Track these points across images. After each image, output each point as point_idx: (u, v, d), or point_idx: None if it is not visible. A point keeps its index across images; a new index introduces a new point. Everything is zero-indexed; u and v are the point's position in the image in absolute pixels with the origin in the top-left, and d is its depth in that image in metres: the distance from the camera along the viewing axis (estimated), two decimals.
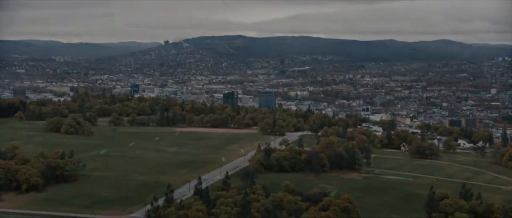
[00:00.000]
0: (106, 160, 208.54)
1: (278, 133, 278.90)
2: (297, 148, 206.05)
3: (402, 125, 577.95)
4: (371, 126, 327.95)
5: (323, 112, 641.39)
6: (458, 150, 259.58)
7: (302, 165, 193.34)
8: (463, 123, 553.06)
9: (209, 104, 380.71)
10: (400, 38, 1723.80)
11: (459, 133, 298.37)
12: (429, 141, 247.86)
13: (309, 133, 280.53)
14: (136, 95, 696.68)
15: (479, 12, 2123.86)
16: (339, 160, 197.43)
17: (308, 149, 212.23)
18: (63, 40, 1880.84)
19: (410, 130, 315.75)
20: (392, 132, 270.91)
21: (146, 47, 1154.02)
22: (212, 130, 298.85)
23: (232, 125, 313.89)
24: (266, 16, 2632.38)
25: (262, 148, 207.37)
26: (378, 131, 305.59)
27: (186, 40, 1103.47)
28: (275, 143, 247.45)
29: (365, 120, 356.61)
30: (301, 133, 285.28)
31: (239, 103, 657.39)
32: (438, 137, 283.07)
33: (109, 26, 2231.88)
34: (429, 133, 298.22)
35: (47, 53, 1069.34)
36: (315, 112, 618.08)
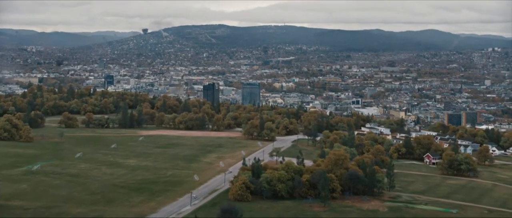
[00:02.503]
0: (37, 180, 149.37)
1: (266, 138, 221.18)
2: (295, 164, 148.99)
3: (396, 119, 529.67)
4: (376, 127, 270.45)
5: (311, 104, 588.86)
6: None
7: (303, 190, 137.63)
8: (463, 117, 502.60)
9: (184, 100, 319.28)
10: (386, 28, 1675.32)
11: (484, 136, 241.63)
12: (463, 152, 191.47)
13: (305, 137, 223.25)
14: (110, 87, 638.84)
15: (466, 2, 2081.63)
16: (354, 182, 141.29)
17: (310, 164, 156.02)
18: (37, 29, 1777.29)
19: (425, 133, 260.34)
20: (412, 138, 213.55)
21: (124, 37, 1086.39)
22: (185, 133, 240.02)
23: (210, 126, 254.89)
24: (248, 5, 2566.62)
25: (248, 162, 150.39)
26: (387, 134, 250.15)
27: (166, 30, 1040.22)
28: (264, 153, 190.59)
29: (369, 120, 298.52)
30: (294, 137, 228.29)
31: (220, 96, 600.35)
32: (463, 143, 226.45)
33: (85, 15, 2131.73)
34: (447, 136, 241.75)
35: (19, 43, 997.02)
36: (303, 105, 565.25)
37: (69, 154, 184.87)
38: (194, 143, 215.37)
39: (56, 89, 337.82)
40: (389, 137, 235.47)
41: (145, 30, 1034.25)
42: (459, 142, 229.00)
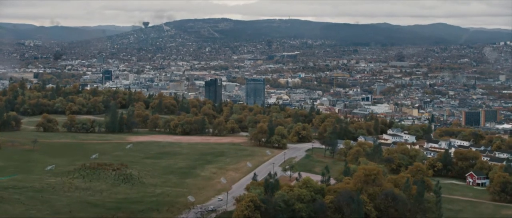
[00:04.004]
0: None
1: (276, 145, 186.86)
2: (315, 181, 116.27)
3: (410, 117, 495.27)
4: (399, 133, 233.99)
5: (319, 101, 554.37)
6: None
7: (328, 214, 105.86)
8: (482, 116, 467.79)
9: (181, 99, 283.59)
10: (393, 21, 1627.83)
11: None
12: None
13: (321, 146, 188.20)
14: (107, 83, 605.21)
15: None
16: (394, 207, 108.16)
17: (334, 181, 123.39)
18: (36, 23, 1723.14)
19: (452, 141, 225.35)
20: (450, 152, 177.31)
21: (125, 31, 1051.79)
22: (182, 139, 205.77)
23: (211, 131, 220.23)
24: None
25: (258, 176, 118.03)
26: (413, 142, 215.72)
27: (167, 23, 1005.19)
28: (275, 164, 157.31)
29: (391, 124, 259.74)
30: (307, 146, 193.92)
31: (223, 92, 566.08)
32: (501, 155, 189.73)
33: (84, 8, 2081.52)
34: (482, 147, 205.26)
35: (17, 37, 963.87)
36: (311, 102, 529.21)
37: (37, 166, 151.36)
38: (191, 151, 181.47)
39: (50, 85, 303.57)
40: (416, 147, 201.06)
41: (146, 24, 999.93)
42: (496, 154, 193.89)
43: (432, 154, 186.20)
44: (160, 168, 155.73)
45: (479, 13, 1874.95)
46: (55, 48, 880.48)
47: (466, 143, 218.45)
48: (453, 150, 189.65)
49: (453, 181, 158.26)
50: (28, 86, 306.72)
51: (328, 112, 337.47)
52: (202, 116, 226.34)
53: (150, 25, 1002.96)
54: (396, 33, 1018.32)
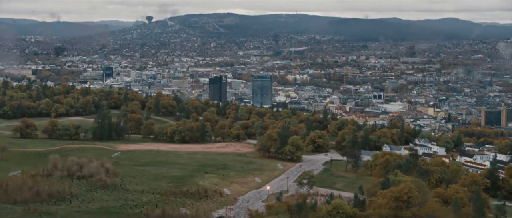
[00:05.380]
0: None
1: (289, 157, 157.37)
2: (347, 205, 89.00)
3: (425, 116, 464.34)
4: (427, 144, 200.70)
5: (328, 99, 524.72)
6: None
7: None
8: (503, 115, 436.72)
9: (183, 100, 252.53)
10: (403, 16, 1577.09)
11: None
12: None
13: (342, 158, 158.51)
14: (108, 80, 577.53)
15: None
16: None
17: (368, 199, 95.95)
18: (38, 19, 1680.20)
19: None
20: (497, 170, 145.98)
21: (128, 26, 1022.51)
22: (179, 148, 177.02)
23: (213, 138, 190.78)
24: None
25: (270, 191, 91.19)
26: (443, 155, 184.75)
27: (171, 18, 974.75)
28: (288, 180, 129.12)
29: (415, 133, 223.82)
30: (325, 157, 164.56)
31: (228, 89, 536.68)
32: None
33: (86, 3, 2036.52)
34: None
35: (19, 33, 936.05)
36: (319, 100, 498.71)
37: (1, 174, 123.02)
38: (188, 162, 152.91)
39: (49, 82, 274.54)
40: (447, 160, 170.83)
41: (149, 18, 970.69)
42: None
43: (471, 169, 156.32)
44: (150, 175, 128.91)
45: (490, 7, 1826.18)
46: (56, 44, 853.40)
47: (503, 157, 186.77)
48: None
49: (508, 203, 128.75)
50: (13, 85, 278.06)
51: (343, 115, 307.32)
52: (202, 122, 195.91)
53: (153, 20, 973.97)
54: (406, 28, 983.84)
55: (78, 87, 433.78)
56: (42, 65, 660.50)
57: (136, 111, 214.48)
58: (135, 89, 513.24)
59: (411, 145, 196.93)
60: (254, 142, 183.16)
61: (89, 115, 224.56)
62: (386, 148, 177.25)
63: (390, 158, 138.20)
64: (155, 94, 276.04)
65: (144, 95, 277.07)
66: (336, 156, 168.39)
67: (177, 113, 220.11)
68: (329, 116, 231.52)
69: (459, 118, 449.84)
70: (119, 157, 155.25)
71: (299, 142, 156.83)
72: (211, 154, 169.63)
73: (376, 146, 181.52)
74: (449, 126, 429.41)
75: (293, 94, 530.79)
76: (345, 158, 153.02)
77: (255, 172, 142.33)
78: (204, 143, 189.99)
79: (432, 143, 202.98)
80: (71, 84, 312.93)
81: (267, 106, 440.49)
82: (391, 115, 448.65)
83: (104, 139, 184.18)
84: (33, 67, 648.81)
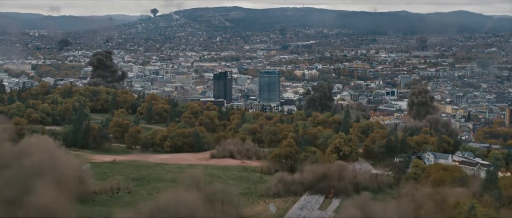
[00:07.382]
0: None
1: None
2: None
3: (443, 114, 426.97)
4: (471, 158, 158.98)
5: (339, 96, 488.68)
6: None
7: None
8: None
9: (177, 104, 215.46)
10: (413, 9, 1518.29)
11: None
12: None
13: (376, 171, 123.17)
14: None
15: None
16: None
17: None
18: (44, 13, 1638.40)
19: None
20: None
21: (133, 20, 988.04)
22: (169, 158, 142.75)
23: (213, 147, 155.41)
24: None
25: None
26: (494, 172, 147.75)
27: (177, 12, 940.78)
28: (312, 206, 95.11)
29: (458, 143, 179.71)
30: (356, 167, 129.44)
31: (234, 85, 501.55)
32: None
33: None
34: None
35: (24, 27, 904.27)
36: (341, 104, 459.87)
37: None
38: (177, 178, 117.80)
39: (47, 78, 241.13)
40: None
41: (154, 11, 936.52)
42: None
43: None
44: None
45: None
46: (60, 38, 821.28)
47: None
48: None
49: None
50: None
51: (375, 118, 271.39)
52: (195, 129, 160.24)
53: (159, 13, 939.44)
54: (416, 21, 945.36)
55: (79, 83, 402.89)
56: (43, 60, 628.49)
57: (122, 116, 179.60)
58: (136, 85, 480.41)
59: (456, 155, 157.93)
60: (264, 151, 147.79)
61: (68, 123, 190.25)
62: (429, 157, 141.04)
63: (445, 172, 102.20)
64: (151, 93, 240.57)
65: (137, 96, 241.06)
66: (365, 166, 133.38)
67: (169, 120, 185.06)
68: (349, 118, 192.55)
69: (481, 117, 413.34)
70: (88, 170, 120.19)
71: (319, 155, 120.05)
72: (209, 168, 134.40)
73: (414, 151, 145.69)
74: (470, 125, 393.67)
75: (302, 91, 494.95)
76: (386, 171, 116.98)
77: (268, 197, 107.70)
78: (202, 151, 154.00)
79: (476, 156, 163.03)
80: (51, 83, 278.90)
81: (275, 104, 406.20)
82: (405, 113, 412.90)
83: (79, 147, 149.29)
84: (34, 62, 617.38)
